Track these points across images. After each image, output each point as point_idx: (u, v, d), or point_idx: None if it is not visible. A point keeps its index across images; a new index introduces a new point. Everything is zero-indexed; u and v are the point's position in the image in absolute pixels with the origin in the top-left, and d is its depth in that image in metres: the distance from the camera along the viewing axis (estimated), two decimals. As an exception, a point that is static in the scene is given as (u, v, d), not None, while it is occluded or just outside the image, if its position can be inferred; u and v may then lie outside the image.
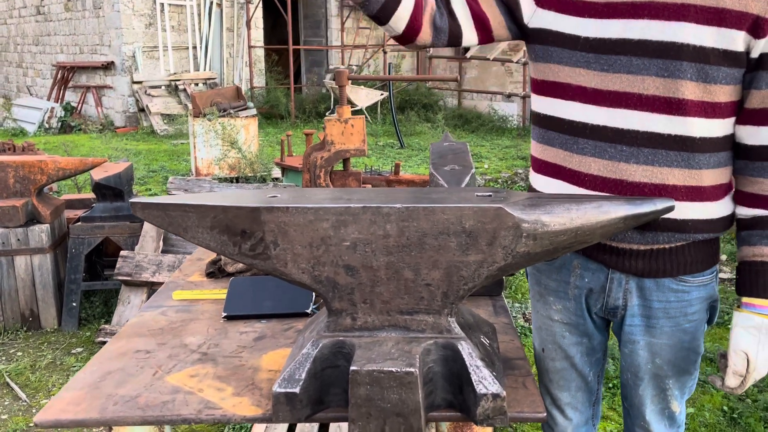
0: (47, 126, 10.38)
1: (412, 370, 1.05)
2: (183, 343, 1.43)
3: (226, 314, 1.54)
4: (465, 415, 1.12)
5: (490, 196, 1.15)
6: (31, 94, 12.80)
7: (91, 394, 1.22)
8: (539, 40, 1.26)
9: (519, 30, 1.29)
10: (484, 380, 1.09)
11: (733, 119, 1.18)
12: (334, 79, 10.42)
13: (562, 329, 1.35)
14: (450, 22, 1.29)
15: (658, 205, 1.12)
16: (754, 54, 1.11)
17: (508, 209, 1.07)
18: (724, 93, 1.13)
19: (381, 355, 1.09)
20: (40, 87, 12.72)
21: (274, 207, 1.11)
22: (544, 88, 1.27)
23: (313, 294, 1.61)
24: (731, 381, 1.16)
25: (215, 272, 1.84)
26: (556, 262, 1.32)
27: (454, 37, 1.30)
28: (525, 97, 10.20)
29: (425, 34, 1.29)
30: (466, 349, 1.11)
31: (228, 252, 1.18)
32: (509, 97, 10.64)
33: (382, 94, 10.30)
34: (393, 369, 1.05)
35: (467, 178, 1.53)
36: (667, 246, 1.21)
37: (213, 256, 1.94)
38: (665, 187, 1.18)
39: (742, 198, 1.21)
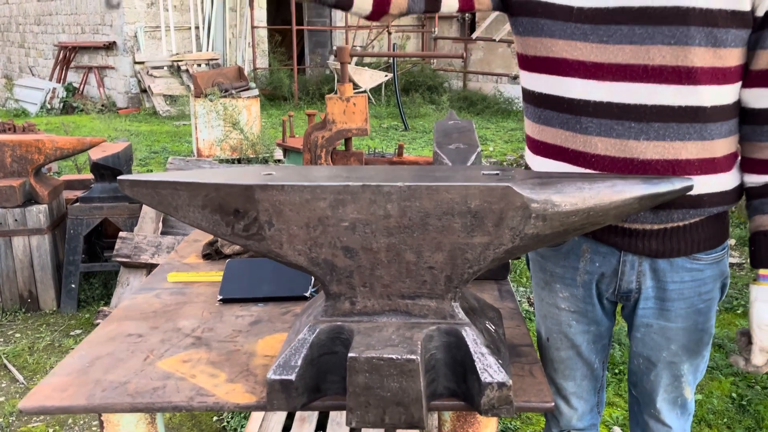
0: (49, 107, 10.31)
1: (413, 357, 1.00)
2: (176, 327, 1.38)
3: (221, 297, 1.49)
4: (469, 404, 1.07)
5: (497, 174, 1.09)
6: (33, 75, 12.71)
7: (79, 380, 1.17)
8: (526, 12, 1.17)
9: (501, 2, 1.20)
10: (489, 368, 1.03)
11: (740, 84, 1.12)
12: (337, 60, 10.29)
13: (568, 317, 1.29)
14: None
15: (676, 184, 1.06)
16: (760, 12, 1.05)
17: (517, 188, 1.01)
18: (733, 57, 1.08)
19: (381, 341, 1.04)
20: (42, 67, 12.63)
21: (268, 185, 1.05)
22: (536, 64, 1.19)
23: (312, 277, 1.55)
24: (758, 359, 1.12)
25: (212, 254, 1.78)
26: (563, 247, 1.26)
27: (431, 2, 1.19)
28: (531, 79, 10.06)
29: (398, 1, 1.18)
30: (470, 336, 1.06)
31: (220, 232, 1.12)
32: (515, 79, 10.50)
33: (386, 76, 10.18)
34: (393, 356, 1.00)
35: (473, 157, 1.46)
36: (680, 224, 1.15)
37: (210, 237, 1.89)
38: (678, 163, 1.12)
39: (751, 165, 1.16)
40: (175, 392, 1.13)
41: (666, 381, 1.25)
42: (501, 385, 1.02)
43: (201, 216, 1.12)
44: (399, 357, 1.00)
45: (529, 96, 1.24)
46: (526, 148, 1.31)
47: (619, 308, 1.33)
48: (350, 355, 1.01)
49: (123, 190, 1.15)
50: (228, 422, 2.36)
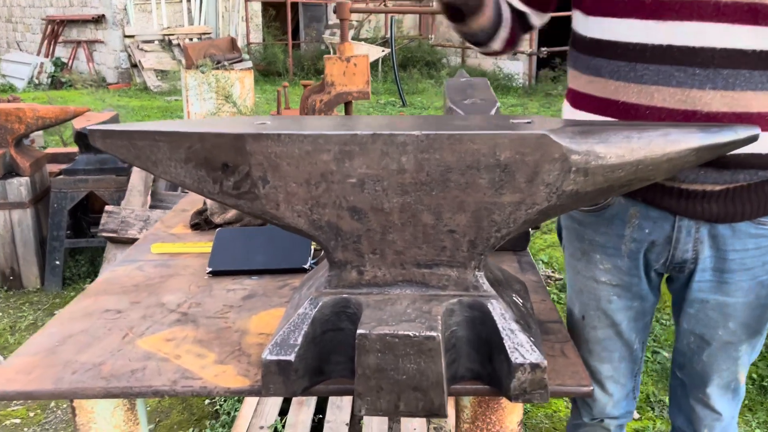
0: (37, 82, 10.06)
1: (433, 334, 0.85)
2: (160, 302, 1.23)
3: (211, 269, 1.34)
4: (495, 388, 0.93)
5: (529, 122, 0.94)
6: (21, 50, 12.40)
7: (47, 361, 1.02)
8: None
9: None
10: (521, 347, 0.89)
11: None
12: (333, 35, 10.07)
13: (609, 292, 1.15)
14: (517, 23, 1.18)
15: (740, 133, 0.90)
16: None
17: (554, 137, 0.86)
18: None
19: (394, 316, 0.89)
20: (30, 42, 12.32)
21: (262, 134, 0.89)
22: (591, 6, 1.06)
23: (312, 247, 1.40)
24: None
25: (201, 223, 1.63)
26: (606, 212, 1.11)
27: (525, 27, 1.20)
28: (531, 55, 9.87)
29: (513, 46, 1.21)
30: (497, 310, 0.91)
31: (207, 190, 0.97)
32: (515, 54, 10.29)
33: (383, 51, 9.95)
34: (410, 333, 0.85)
35: (493, 112, 1.31)
36: (745, 184, 1.01)
37: (199, 206, 1.73)
38: (749, 116, 0.97)
39: None
40: (157, 375, 0.99)
41: (720, 363, 1.11)
42: (534, 366, 0.88)
43: (184, 171, 0.96)
44: (417, 334, 0.85)
45: (580, 42, 1.09)
46: (566, 103, 1.16)
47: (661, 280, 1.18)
48: (359, 331, 0.86)
49: (94, 142, 1.00)
50: (221, 405, 2.22)
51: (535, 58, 10.16)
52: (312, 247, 1.40)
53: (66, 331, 1.12)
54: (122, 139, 0.97)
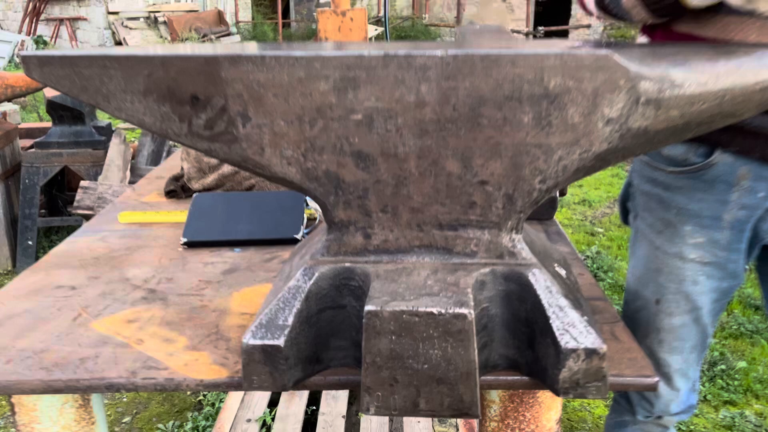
0: (18, 60, 9.73)
1: (464, 311, 0.66)
2: (124, 277, 1.03)
3: (185, 240, 1.15)
4: (538, 380, 0.74)
5: (583, 45, 0.74)
6: (2, 28, 12.04)
7: (-24, 347, 0.83)
8: None
9: None
10: (572, 328, 0.70)
11: None
12: (324, 13, 9.78)
13: (696, 272, 0.96)
14: None
15: None
16: None
17: (619, 59, 0.66)
18: None
19: (412, 288, 0.70)
20: (12, 21, 11.95)
21: (241, 56, 0.69)
22: None
23: (306, 215, 1.21)
24: None
25: (177, 190, 1.43)
26: (707, 173, 0.91)
27: None
28: (528, 35, 9.64)
29: None
30: (541, 282, 0.73)
31: (172, 131, 0.76)
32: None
33: (376, 30, 9.70)
34: (434, 310, 0.66)
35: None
36: None
37: (176, 171, 1.53)
38: None
39: None
40: (112, 364, 0.79)
41: None
42: (590, 352, 0.69)
43: (143, 107, 0.76)
44: (443, 311, 0.66)
45: None
46: (643, 37, 0.96)
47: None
48: (368, 308, 0.67)
49: (30, 73, 0.79)
50: (204, 396, 2.03)
51: (531, 37, 9.94)
52: (305, 215, 1.21)
53: (6, 311, 0.92)
54: (64, 66, 0.77)
